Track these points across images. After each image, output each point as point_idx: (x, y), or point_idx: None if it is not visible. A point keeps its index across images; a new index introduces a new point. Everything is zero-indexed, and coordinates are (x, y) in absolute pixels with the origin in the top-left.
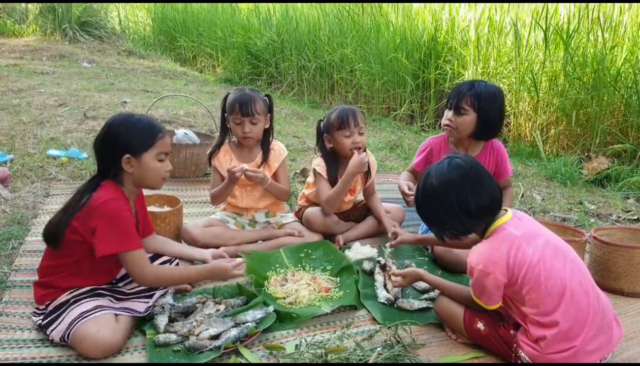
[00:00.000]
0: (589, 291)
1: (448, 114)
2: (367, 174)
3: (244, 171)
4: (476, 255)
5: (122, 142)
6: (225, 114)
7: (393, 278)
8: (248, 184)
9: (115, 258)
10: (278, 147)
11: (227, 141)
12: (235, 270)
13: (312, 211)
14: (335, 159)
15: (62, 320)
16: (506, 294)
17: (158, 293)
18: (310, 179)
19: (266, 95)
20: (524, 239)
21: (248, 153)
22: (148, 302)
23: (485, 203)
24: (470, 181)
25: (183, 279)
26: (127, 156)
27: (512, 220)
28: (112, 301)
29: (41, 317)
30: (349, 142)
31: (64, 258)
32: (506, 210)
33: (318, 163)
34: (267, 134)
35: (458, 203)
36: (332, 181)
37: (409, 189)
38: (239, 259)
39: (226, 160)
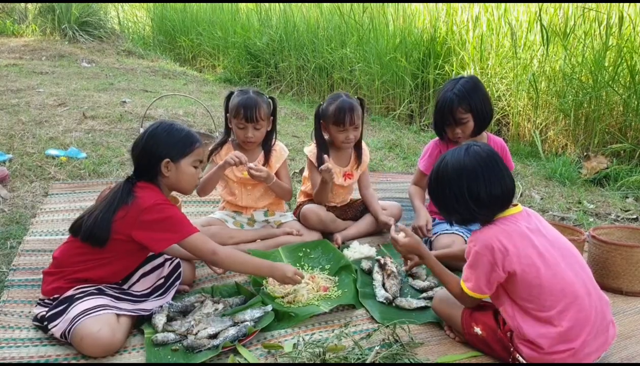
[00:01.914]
0: (592, 293)
1: (455, 130)
2: (359, 157)
3: (248, 169)
4: (476, 236)
5: (164, 147)
6: (228, 115)
7: (393, 233)
8: (249, 183)
9: (138, 257)
10: (279, 148)
11: (229, 139)
12: (294, 276)
13: (309, 207)
14: (328, 146)
15: (65, 316)
16: (503, 287)
17: (168, 296)
18: (305, 173)
19: (270, 97)
20: (530, 233)
21: (250, 153)
22: (155, 303)
23: (496, 192)
24: (485, 170)
25: (249, 267)
26: (166, 160)
27: (521, 214)
28: (116, 300)
29: (46, 309)
30: (342, 137)
31: (94, 253)
32: (517, 204)
33: (310, 150)
34: (270, 136)
35: (469, 190)
36: (318, 163)
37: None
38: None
39: None
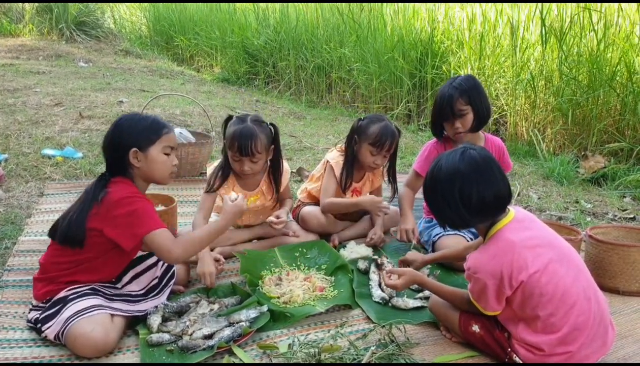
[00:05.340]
0: (591, 297)
1: (454, 124)
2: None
3: (270, 224)
4: (473, 262)
5: (130, 136)
6: (225, 142)
7: (387, 280)
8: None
9: (130, 252)
10: (283, 170)
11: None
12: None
13: (308, 211)
14: (355, 163)
15: (58, 318)
16: (505, 300)
17: (163, 296)
18: (316, 172)
19: (270, 124)
20: (523, 245)
21: (251, 179)
22: (150, 303)
23: (489, 199)
24: (479, 175)
25: (211, 237)
26: (134, 149)
27: (512, 222)
28: (109, 300)
29: (39, 312)
30: (371, 159)
31: (76, 255)
32: (509, 209)
33: (334, 157)
34: (276, 165)
35: (461, 194)
36: (341, 183)
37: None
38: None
39: (229, 186)
